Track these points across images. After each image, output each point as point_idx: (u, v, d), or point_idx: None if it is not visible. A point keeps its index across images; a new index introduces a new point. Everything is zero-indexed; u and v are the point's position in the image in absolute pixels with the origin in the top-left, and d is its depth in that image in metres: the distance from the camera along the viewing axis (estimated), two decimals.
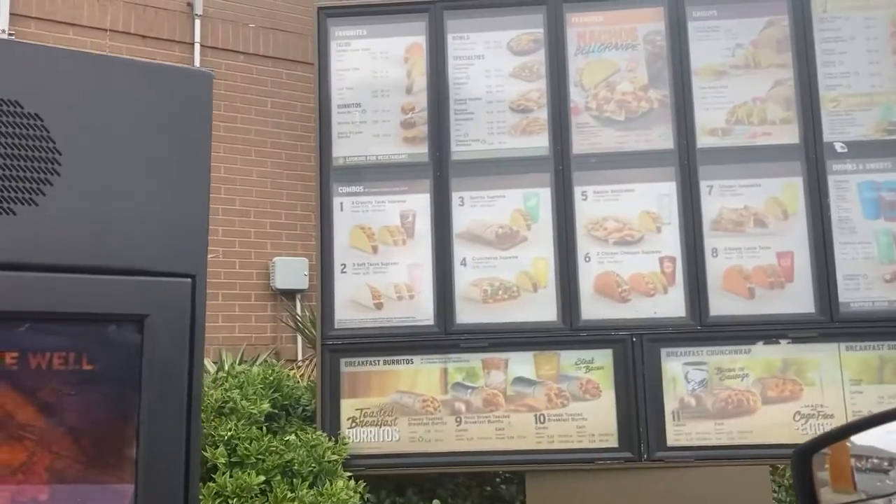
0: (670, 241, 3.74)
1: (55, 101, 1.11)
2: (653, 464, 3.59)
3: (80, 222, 1.11)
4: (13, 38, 5.67)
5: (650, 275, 3.73)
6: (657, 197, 3.78)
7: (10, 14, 5.74)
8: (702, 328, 3.66)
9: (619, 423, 3.62)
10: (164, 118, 1.18)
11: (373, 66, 3.98)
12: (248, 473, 3.14)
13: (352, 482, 3.33)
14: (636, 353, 3.65)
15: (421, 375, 3.73)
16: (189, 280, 1.17)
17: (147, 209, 1.16)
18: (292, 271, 6.23)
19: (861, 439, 1.16)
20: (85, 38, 5.93)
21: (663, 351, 3.66)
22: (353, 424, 3.70)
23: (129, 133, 1.15)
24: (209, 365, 5.13)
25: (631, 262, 3.75)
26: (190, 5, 6.42)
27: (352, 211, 3.86)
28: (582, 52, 3.93)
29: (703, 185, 3.75)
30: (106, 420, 1.12)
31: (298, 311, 6.22)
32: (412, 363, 3.73)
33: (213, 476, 3.13)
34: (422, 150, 3.90)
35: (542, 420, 3.66)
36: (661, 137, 3.82)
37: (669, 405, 3.63)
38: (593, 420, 3.64)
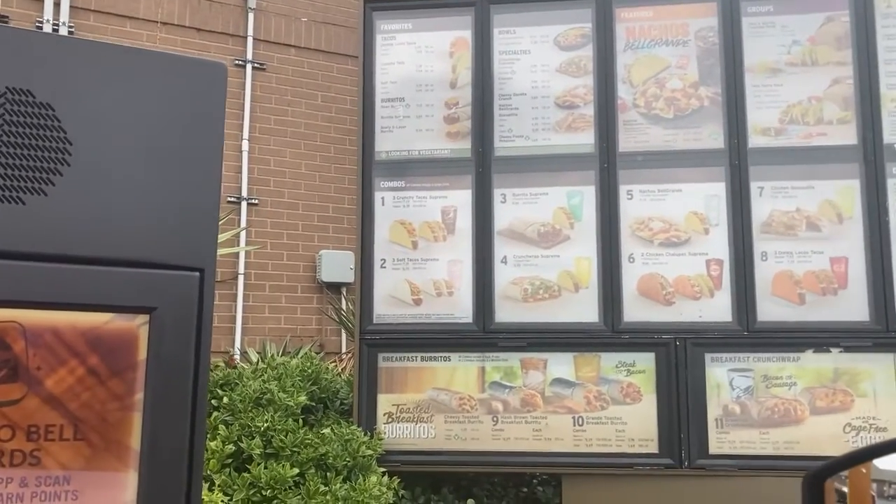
0: (718, 244, 3.63)
1: (67, 91, 1.11)
2: (694, 471, 3.49)
3: (89, 213, 1.10)
4: (73, 30, 5.81)
5: (696, 277, 3.63)
6: (705, 197, 3.67)
7: (71, 7, 5.88)
8: (749, 334, 3.55)
9: (660, 428, 3.54)
10: (176, 109, 1.17)
11: (417, 61, 3.96)
12: (283, 465, 3.15)
13: (385, 478, 3.32)
14: (679, 357, 3.56)
15: (458, 373, 3.69)
16: (197, 274, 1.16)
17: (157, 202, 1.14)
18: (338, 264, 6.26)
19: (884, 464, 1.08)
20: (141, 31, 6.04)
21: (708, 356, 3.56)
22: (390, 420, 3.69)
23: (140, 124, 1.14)
24: (253, 355, 5.19)
25: (676, 263, 3.65)
26: None
27: (393, 206, 3.85)
28: (631, 48, 3.84)
29: (754, 187, 3.63)
30: (111, 410, 1.11)
31: (343, 304, 6.25)
32: (449, 360, 3.70)
33: (248, 467, 3.15)
34: (465, 146, 3.86)
35: (580, 422, 3.59)
36: (711, 136, 3.71)
37: (713, 412, 3.52)
38: (633, 424, 3.56)
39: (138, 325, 1.14)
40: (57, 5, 5.82)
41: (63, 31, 5.78)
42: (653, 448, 3.54)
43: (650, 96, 3.78)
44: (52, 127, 1.09)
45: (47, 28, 5.74)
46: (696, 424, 3.51)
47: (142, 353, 1.14)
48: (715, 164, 3.69)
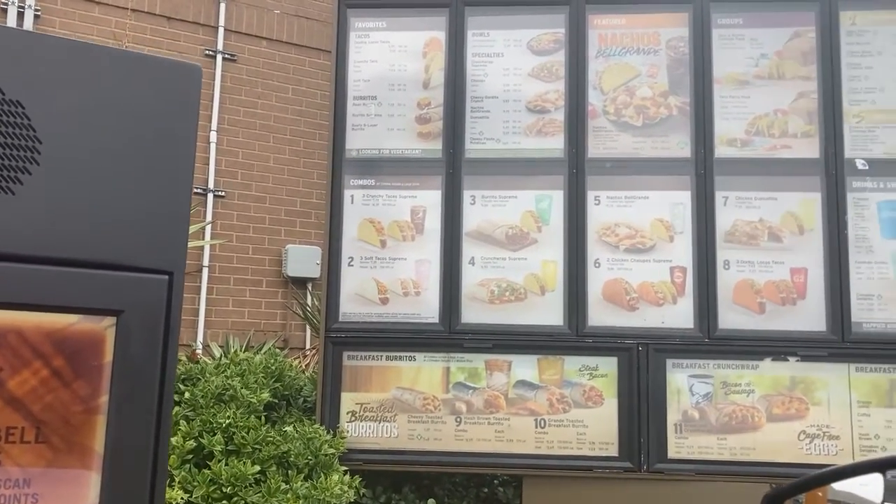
0: (682, 251, 3.69)
1: (38, 89, 1.09)
2: (652, 475, 3.55)
3: (57, 213, 1.09)
4: (38, 14, 5.70)
5: (660, 284, 3.68)
6: (671, 205, 3.73)
7: None
8: (710, 341, 3.61)
9: (621, 432, 3.59)
10: (149, 111, 1.16)
11: (391, 60, 3.95)
12: (244, 462, 3.13)
13: (347, 477, 3.32)
14: (642, 362, 3.61)
15: (423, 373, 3.71)
16: (166, 277, 1.15)
17: (127, 203, 1.13)
18: (305, 259, 6.23)
19: (840, 486, 1.11)
20: (109, 17, 5.94)
21: (669, 362, 3.62)
22: (353, 418, 3.69)
23: (112, 124, 1.13)
24: (215, 349, 5.15)
25: (641, 269, 3.70)
26: None
27: (362, 204, 3.84)
28: (603, 55, 3.87)
29: (719, 196, 3.70)
30: (74, 412, 1.10)
31: (309, 300, 6.21)
32: (414, 360, 3.71)
33: (209, 463, 3.13)
34: (436, 147, 3.87)
35: (542, 425, 3.63)
36: (679, 145, 3.77)
37: (672, 417, 3.58)
38: (594, 428, 3.61)
39: (105, 327, 1.13)
40: None
41: (29, 14, 5.66)
42: (613, 451, 3.59)
43: (620, 104, 3.82)
44: (21, 125, 1.08)
45: (12, 10, 5.62)
46: (656, 429, 3.57)
47: (108, 356, 1.13)
48: (681, 173, 3.75)
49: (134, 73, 1.16)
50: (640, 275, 3.68)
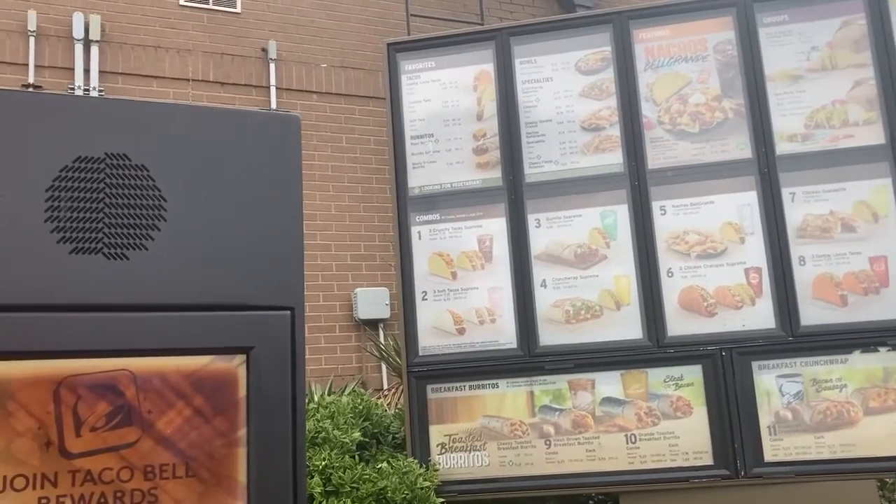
0: (755, 252, 3.67)
1: (158, 152, 1.19)
2: (751, 480, 3.49)
3: (185, 263, 1.19)
4: (103, 94, 6.01)
5: (736, 287, 3.66)
6: (738, 207, 3.71)
7: (100, 71, 6.08)
8: (793, 339, 3.56)
9: (713, 439, 3.55)
10: (257, 160, 1.25)
11: (443, 97, 4.06)
12: (344, 502, 3.19)
13: None
14: (727, 367, 3.58)
15: (507, 399, 3.73)
16: (288, 312, 1.23)
17: (246, 247, 1.22)
18: (374, 301, 6.34)
19: None
20: (168, 90, 6.22)
21: (755, 364, 3.58)
22: (443, 450, 3.73)
23: (225, 176, 1.23)
24: None
25: (715, 274, 3.69)
26: (264, 50, 6.67)
27: (430, 238, 3.93)
28: (651, 67, 3.91)
29: (786, 193, 3.67)
30: (218, 447, 1.18)
31: (382, 340, 6.31)
32: (498, 387, 3.75)
33: None
34: (495, 175, 3.94)
35: (633, 440, 3.61)
36: (739, 147, 3.76)
37: (764, 419, 3.53)
38: (686, 438, 3.57)
39: (236, 365, 1.21)
40: (87, 72, 6.02)
41: (93, 95, 5.97)
42: (707, 460, 3.55)
43: (674, 112, 3.85)
44: (147, 186, 1.18)
45: (79, 94, 5.93)
46: (749, 433, 3.52)
47: (241, 391, 1.21)
48: (744, 174, 3.74)
49: (240, 128, 1.25)
50: (715, 280, 3.67)
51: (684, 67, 3.89)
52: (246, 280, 1.21)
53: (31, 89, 5.81)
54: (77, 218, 1.12)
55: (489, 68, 4.05)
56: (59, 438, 1.09)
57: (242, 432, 1.20)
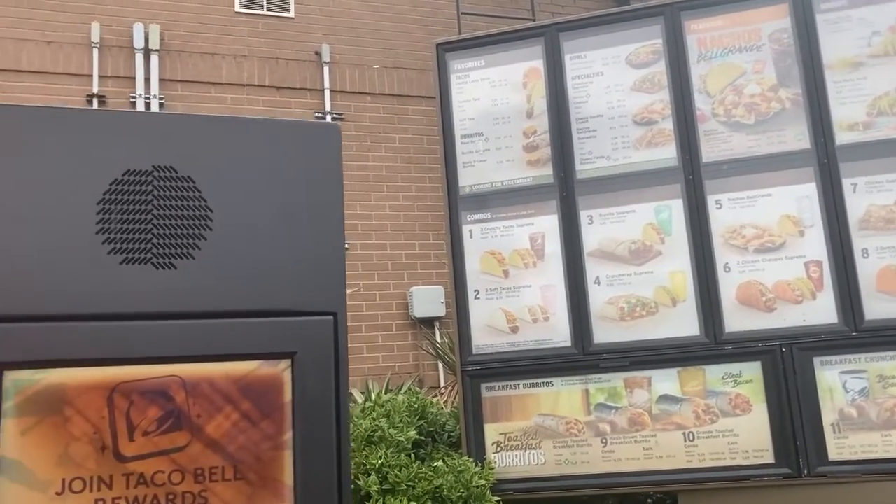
0: (815, 245, 3.57)
1: (203, 163, 1.23)
2: (814, 480, 3.40)
3: (231, 271, 1.22)
4: (163, 102, 6.17)
5: (796, 281, 3.56)
6: (797, 199, 3.62)
7: (160, 79, 6.25)
8: (857, 334, 3.46)
9: (774, 437, 3.47)
10: (298, 168, 1.28)
11: (492, 95, 4.05)
12: (400, 500, 3.22)
13: None
14: (787, 363, 3.49)
15: (562, 398, 3.72)
16: (331, 317, 1.26)
17: (289, 254, 1.25)
18: (429, 300, 6.37)
19: None
20: (225, 95, 6.36)
21: (816, 360, 3.48)
22: (498, 449, 3.73)
23: (268, 185, 1.26)
24: (357, 395, 5.32)
25: (774, 269, 3.60)
26: (318, 54, 6.76)
27: (481, 237, 3.93)
28: (704, 59, 3.84)
29: (847, 184, 3.56)
30: (264, 451, 1.21)
31: (437, 338, 6.34)
32: (552, 385, 3.73)
33: None
34: (546, 172, 3.92)
35: (690, 438, 3.56)
36: (796, 137, 3.67)
37: (828, 417, 3.43)
38: (746, 436, 3.50)
39: (282, 369, 1.24)
40: (147, 80, 6.19)
41: (154, 103, 6.15)
42: (768, 458, 3.47)
43: (729, 104, 3.77)
44: (194, 197, 1.21)
45: (140, 102, 6.11)
46: (812, 431, 3.43)
47: (287, 395, 1.24)
48: (803, 165, 3.64)
49: (281, 137, 1.28)
50: (774, 274, 3.58)
51: (738, 58, 3.81)
52: (289, 287, 1.24)
53: (95, 100, 6.01)
54: (127, 230, 1.17)
55: (539, 65, 4.03)
56: (114, 442, 1.14)
57: (288, 436, 1.23)
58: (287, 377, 1.24)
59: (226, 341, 1.21)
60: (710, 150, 3.75)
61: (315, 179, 1.28)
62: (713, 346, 3.59)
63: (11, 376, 1.11)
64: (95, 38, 6.15)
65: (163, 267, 1.18)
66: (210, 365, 1.20)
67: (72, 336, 1.13)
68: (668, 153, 3.80)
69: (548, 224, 3.87)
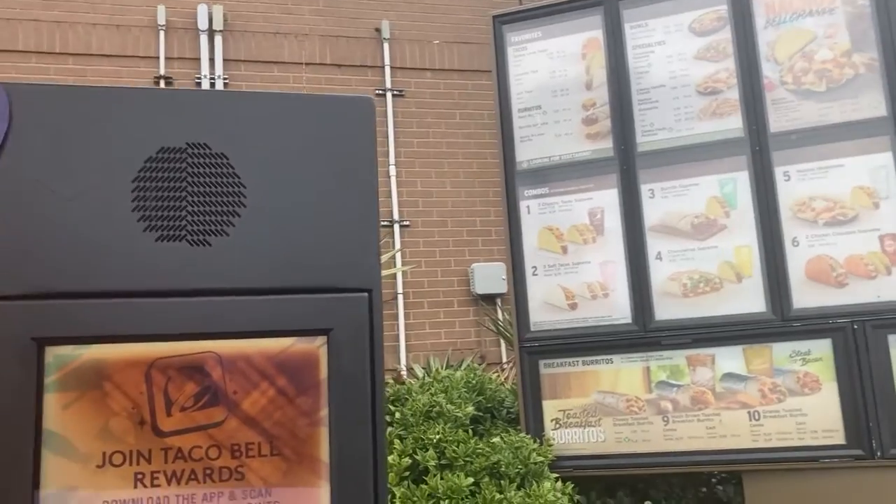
0: (890, 217, 3.40)
1: (237, 139, 1.23)
2: (889, 462, 3.26)
3: (265, 248, 1.22)
4: (227, 82, 6.27)
5: (869, 255, 3.41)
6: (871, 170, 3.45)
7: (224, 60, 6.34)
8: None
9: (845, 417, 3.34)
10: (332, 144, 1.26)
11: (550, 67, 3.97)
12: (458, 475, 3.23)
13: (559, 483, 3.33)
14: (859, 341, 3.35)
15: (622, 375, 3.65)
16: (366, 294, 1.25)
17: (323, 231, 1.24)
18: (490, 276, 6.35)
19: None
20: (288, 74, 6.42)
21: (891, 338, 3.33)
22: (557, 426, 3.70)
23: (302, 161, 1.25)
24: (418, 370, 5.35)
25: (846, 242, 3.45)
26: (378, 31, 6.75)
27: (539, 213, 3.87)
28: (772, 24, 3.68)
29: None
30: (301, 427, 1.21)
31: (499, 314, 6.32)
32: (612, 363, 3.67)
33: (426, 478, 3.26)
34: (606, 146, 3.83)
35: (756, 417, 3.45)
36: (871, 105, 3.48)
37: None
38: (815, 415, 3.38)
39: (318, 346, 1.24)
40: (211, 60, 6.30)
41: (219, 83, 6.25)
42: (839, 439, 3.35)
43: (798, 71, 3.60)
44: (227, 174, 1.21)
45: (205, 82, 6.22)
46: (887, 411, 3.29)
47: (323, 372, 1.24)
48: (879, 134, 3.46)
49: (315, 113, 1.27)
50: (846, 248, 3.43)
51: (809, 22, 3.63)
52: (323, 262, 1.24)
53: (162, 81, 6.14)
54: (162, 207, 1.18)
55: (598, 35, 3.93)
56: (152, 417, 1.15)
57: (324, 412, 1.23)
58: (323, 354, 1.23)
59: (261, 318, 1.21)
60: (778, 120, 3.60)
61: (349, 154, 1.27)
62: (780, 322, 3.47)
63: (53, 352, 1.13)
64: (161, 20, 6.28)
65: (198, 244, 1.19)
66: (246, 341, 1.21)
67: (109, 312, 1.15)
68: (733, 124, 3.67)
69: (607, 198, 3.79)
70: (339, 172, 1.25)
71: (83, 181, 1.15)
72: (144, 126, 1.18)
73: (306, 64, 6.45)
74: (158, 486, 1.13)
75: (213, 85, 6.25)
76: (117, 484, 1.13)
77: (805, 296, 3.46)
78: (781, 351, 3.47)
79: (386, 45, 6.71)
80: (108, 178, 1.16)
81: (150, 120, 1.18)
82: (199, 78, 6.26)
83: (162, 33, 6.28)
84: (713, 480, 3.97)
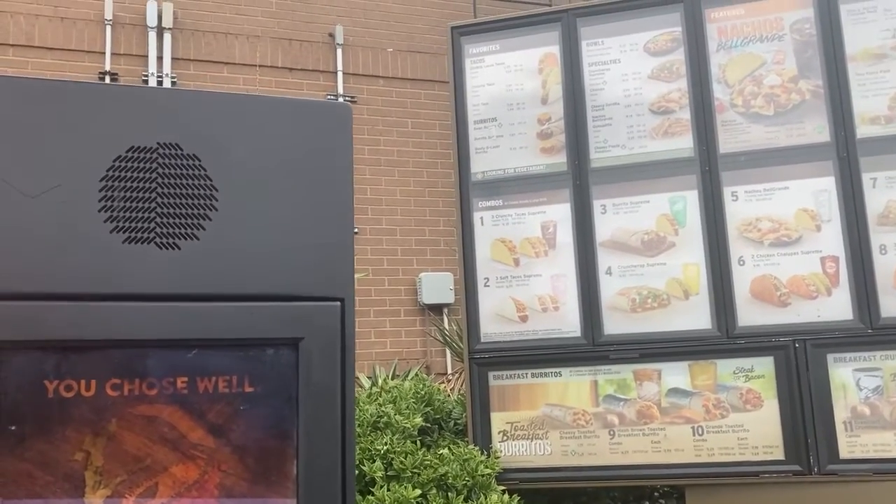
0: (832, 240, 3.51)
1: (210, 141, 1.19)
2: (825, 477, 3.36)
3: (237, 254, 1.18)
4: (175, 81, 6.14)
5: (811, 276, 3.51)
6: (815, 193, 3.56)
7: (173, 58, 6.21)
8: (873, 331, 3.40)
9: (785, 434, 3.42)
10: (307, 150, 1.24)
11: (507, 80, 4.00)
12: (405, 487, 3.20)
13: (506, 496, 3.33)
14: (800, 359, 3.45)
15: (570, 388, 3.68)
16: (338, 303, 1.22)
17: (297, 238, 1.21)
18: (438, 286, 6.34)
19: None
20: (238, 75, 6.32)
21: (830, 357, 3.43)
22: (505, 438, 3.70)
23: (276, 166, 1.22)
24: (364, 380, 5.30)
25: (789, 263, 3.55)
26: (331, 36, 6.70)
27: (492, 224, 3.89)
28: (724, 48, 3.77)
29: (866, 178, 3.50)
30: (267, 438, 1.18)
31: (446, 325, 6.31)
32: (560, 376, 3.70)
33: (372, 490, 3.22)
34: (560, 160, 3.87)
35: (699, 432, 3.52)
36: (816, 130, 3.60)
37: (840, 414, 3.39)
38: (756, 431, 3.46)
39: (288, 355, 1.21)
40: (159, 59, 6.16)
41: (167, 82, 6.11)
42: (778, 455, 3.43)
43: (748, 94, 3.70)
44: (199, 176, 1.18)
45: (152, 80, 6.08)
46: (824, 428, 3.39)
47: (292, 382, 1.20)
48: (822, 159, 3.58)
49: (290, 117, 1.24)
50: (789, 269, 3.53)
51: (759, 48, 3.74)
52: (296, 271, 1.21)
53: (107, 77, 5.98)
54: (130, 208, 1.13)
55: (555, 50, 3.97)
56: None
57: (293, 423, 1.20)
58: (292, 363, 1.20)
59: (230, 325, 1.17)
60: (728, 142, 3.69)
61: (325, 161, 1.24)
62: (725, 339, 3.54)
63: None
64: (109, 15, 6.11)
65: (166, 247, 1.15)
66: (213, 350, 1.17)
67: (73, 315, 1.10)
68: (684, 143, 3.74)
69: (560, 213, 3.83)
70: (315, 179, 1.23)
71: (48, 178, 1.10)
72: (114, 123, 1.13)
73: (258, 66, 6.36)
74: (121, 496, 1.08)
75: (160, 84, 6.11)
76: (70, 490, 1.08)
77: (749, 314, 3.54)
78: (725, 367, 3.54)
79: (339, 51, 6.67)
80: (74, 176, 1.11)
81: (120, 117, 1.13)
82: (147, 76, 6.12)
83: (108, 28, 6.11)
84: (656, 494, 4.02)
